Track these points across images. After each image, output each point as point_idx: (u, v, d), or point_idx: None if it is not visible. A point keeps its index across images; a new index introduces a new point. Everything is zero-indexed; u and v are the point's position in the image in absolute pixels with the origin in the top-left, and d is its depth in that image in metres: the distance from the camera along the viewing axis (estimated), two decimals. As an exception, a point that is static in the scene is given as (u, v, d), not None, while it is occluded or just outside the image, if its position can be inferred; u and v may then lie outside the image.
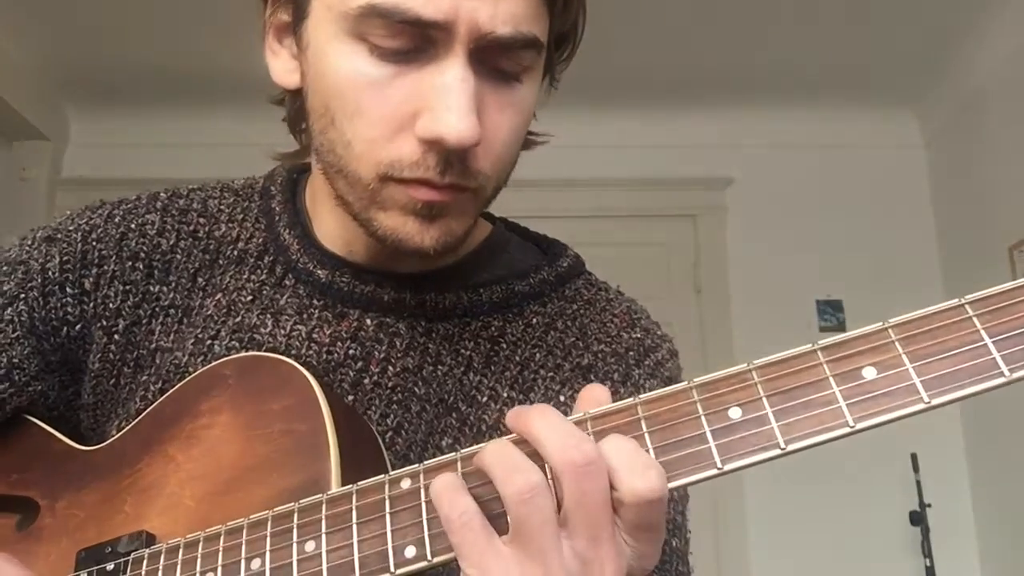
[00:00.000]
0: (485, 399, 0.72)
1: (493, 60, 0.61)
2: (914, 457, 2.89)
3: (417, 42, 0.59)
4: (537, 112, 0.71)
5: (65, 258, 0.75)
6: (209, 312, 0.74)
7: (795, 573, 3.01)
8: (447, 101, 0.59)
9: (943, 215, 3.27)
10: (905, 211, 3.30)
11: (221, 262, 0.76)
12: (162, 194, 0.79)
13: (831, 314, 3.22)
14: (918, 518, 2.84)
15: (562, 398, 0.72)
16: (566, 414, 0.74)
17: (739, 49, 3.00)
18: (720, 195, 3.39)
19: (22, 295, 0.74)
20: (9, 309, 0.73)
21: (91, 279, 0.75)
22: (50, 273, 0.74)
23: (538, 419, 0.49)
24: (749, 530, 3.06)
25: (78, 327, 0.75)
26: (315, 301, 0.73)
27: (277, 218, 0.77)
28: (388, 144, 0.61)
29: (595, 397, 0.52)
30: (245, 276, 0.75)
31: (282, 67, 0.69)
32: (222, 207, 0.79)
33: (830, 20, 2.82)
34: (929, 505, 2.85)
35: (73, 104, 3.38)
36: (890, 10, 2.76)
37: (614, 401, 0.51)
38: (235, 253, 0.77)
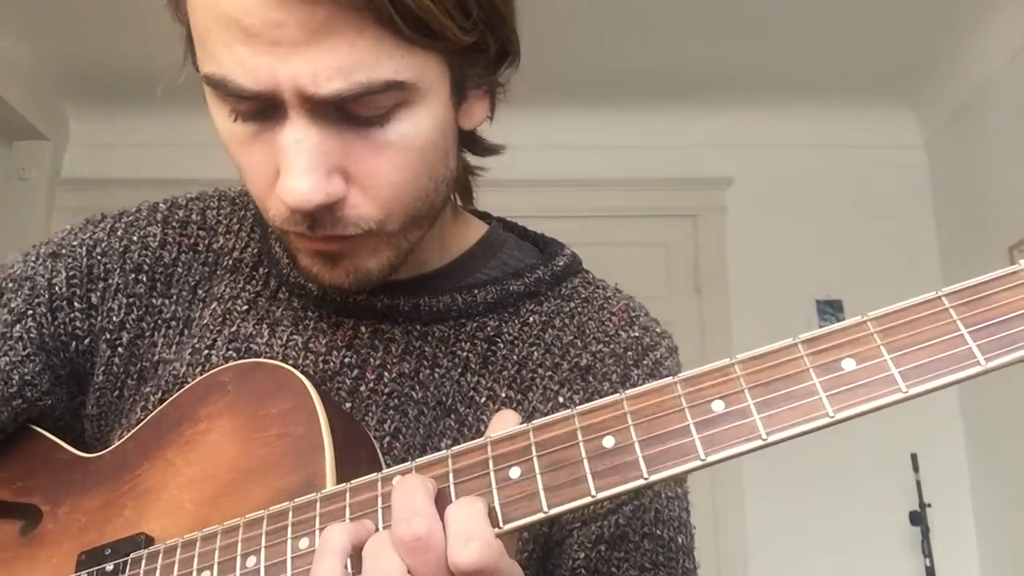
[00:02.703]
0: (483, 400, 0.72)
1: (345, 109, 0.58)
2: (914, 457, 2.90)
3: (263, 104, 0.58)
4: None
5: (71, 273, 0.75)
6: (205, 321, 0.74)
7: (795, 573, 3.01)
8: (286, 164, 0.58)
9: (943, 215, 3.27)
10: (905, 211, 3.30)
11: (219, 272, 0.77)
12: (161, 205, 0.80)
13: (831, 314, 3.22)
14: (918, 518, 2.85)
15: (560, 398, 0.72)
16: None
17: (739, 49, 3.00)
18: (720, 195, 3.39)
19: (30, 311, 0.74)
20: (18, 326, 0.73)
21: (98, 293, 0.75)
22: (57, 288, 0.74)
23: (395, 489, 0.51)
24: (749, 530, 3.06)
25: (87, 341, 0.75)
26: (310, 312, 0.74)
27: (270, 229, 0.77)
28: (267, 199, 0.62)
29: (503, 427, 0.53)
30: (240, 285, 0.76)
31: None
32: (220, 218, 0.80)
33: (831, 20, 2.83)
34: (929, 505, 2.85)
35: (73, 104, 3.39)
36: (890, 10, 2.76)
37: None
38: (230, 262, 0.77)
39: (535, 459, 0.50)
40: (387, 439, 0.68)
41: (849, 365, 0.45)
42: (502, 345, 0.73)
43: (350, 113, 0.58)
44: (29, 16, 2.83)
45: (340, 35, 0.55)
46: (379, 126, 0.59)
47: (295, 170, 0.58)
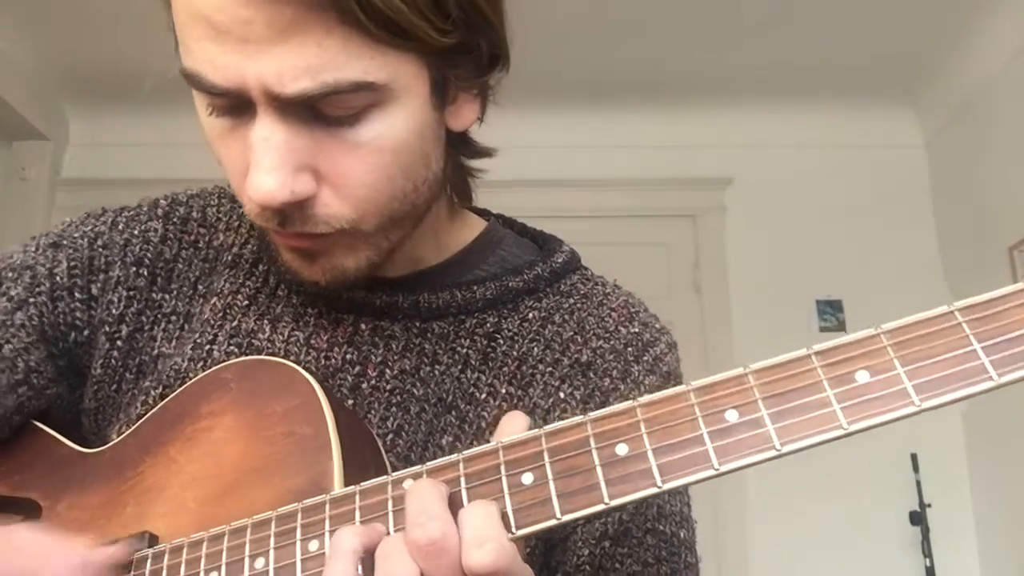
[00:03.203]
0: (484, 396, 0.72)
1: (315, 108, 0.58)
2: (914, 457, 2.90)
3: (235, 100, 0.58)
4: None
5: (72, 263, 0.75)
6: (205, 316, 0.74)
7: (795, 572, 3.02)
8: (253, 160, 0.58)
9: (943, 215, 3.28)
10: (905, 211, 3.30)
11: (219, 268, 0.77)
12: (162, 201, 0.80)
13: (831, 314, 3.22)
14: (918, 518, 2.85)
15: (561, 394, 0.72)
16: (566, 410, 0.72)
17: (740, 49, 3.00)
18: (720, 195, 3.39)
19: (31, 299, 0.74)
20: (19, 313, 0.73)
21: (98, 285, 0.75)
22: (58, 278, 0.74)
23: (408, 493, 0.50)
24: (749, 530, 3.06)
25: (85, 332, 0.75)
26: (309, 309, 0.74)
27: None
28: (243, 194, 0.62)
29: (512, 429, 0.53)
30: (240, 281, 0.76)
31: None
32: (220, 215, 0.80)
33: (830, 20, 2.83)
34: (929, 505, 2.86)
35: (73, 104, 3.38)
36: (890, 10, 2.76)
37: (611, 402, 0.51)
38: (229, 258, 0.77)
39: (547, 465, 0.50)
40: (390, 436, 0.69)
41: (863, 377, 0.45)
42: (502, 341, 0.73)
43: (320, 112, 0.58)
44: (29, 16, 2.83)
45: (308, 34, 0.55)
46: (350, 126, 0.59)
47: (261, 167, 0.58)
